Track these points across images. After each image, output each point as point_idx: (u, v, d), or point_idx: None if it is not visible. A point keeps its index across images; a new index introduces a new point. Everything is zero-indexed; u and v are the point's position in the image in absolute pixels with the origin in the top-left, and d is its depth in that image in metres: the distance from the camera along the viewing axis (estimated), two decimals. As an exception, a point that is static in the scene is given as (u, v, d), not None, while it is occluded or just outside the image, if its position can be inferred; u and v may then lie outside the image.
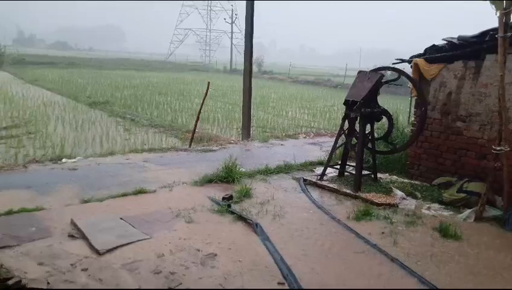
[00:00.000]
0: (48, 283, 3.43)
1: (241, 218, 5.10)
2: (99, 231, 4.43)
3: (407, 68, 7.33)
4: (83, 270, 3.70)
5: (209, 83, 10.23)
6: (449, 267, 4.19)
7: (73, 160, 7.47)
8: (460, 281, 3.93)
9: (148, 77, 34.35)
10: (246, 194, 5.91)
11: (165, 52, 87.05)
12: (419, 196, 6.39)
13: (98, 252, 4.02)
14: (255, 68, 31.00)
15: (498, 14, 5.12)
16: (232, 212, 5.24)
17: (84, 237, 4.32)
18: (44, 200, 5.32)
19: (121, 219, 4.83)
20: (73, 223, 4.63)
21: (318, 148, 9.70)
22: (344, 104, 6.77)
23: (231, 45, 62.81)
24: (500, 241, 4.96)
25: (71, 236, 4.37)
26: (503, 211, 5.50)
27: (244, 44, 11.06)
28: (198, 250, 4.21)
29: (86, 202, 5.37)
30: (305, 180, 6.89)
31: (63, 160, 7.40)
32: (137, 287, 3.47)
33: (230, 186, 6.34)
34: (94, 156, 8.00)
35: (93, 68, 41.87)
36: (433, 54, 7.00)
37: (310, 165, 7.96)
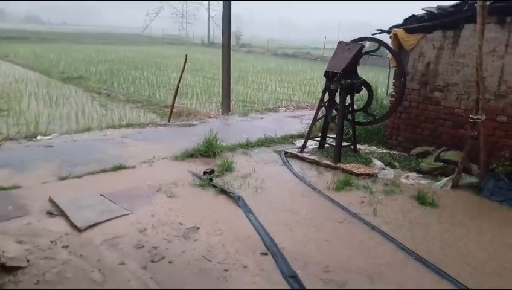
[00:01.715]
0: (28, 261, 3.37)
1: (223, 191, 5.09)
2: (78, 208, 4.35)
3: (387, 39, 7.32)
4: (63, 247, 3.65)
5: (186, 56, 10.03)
6: (426, 234, 4.31)
7: (48, 137, 7.28)
8: (437, 246, 4.05)
9: (123, 51, 33.44)
10: (228, 168, 5.90)
11: (141, 26, 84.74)
12: (398, 165, 6.50)
13: (78, 229, 3.97)
14: (233, 41, 30.52)
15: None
16: (214, 186, 5.23)
17: (63, 214, 4.25)
18: (20, 178, 5.18)
19: (100, 195, 4.76)
20: (51, 201, 4.53)
21: (298, 121, 9.70)
22: (324, 75, 6.74)
23: (208, 18, 61.56)
24: (475, 207, 5.12)
25: (50, 213, 4.28)
26: (479, 178, 5.65)
27: (222, 16, 10.82)
28: (181, 224, 4.20)
29: (63, 179, 5.26)
30: (286, 153, 6.91)
31: (38, 137, 7.20)
32: (119, 263, 3.44)
33: (211, 161, 6.30)
34: (70, 132, 7.81)
35: (66, 43, 40.41)
36: (412, 24, 6.99)
37: (290, 138, 7.97)
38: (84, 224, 4.04)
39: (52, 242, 3.72)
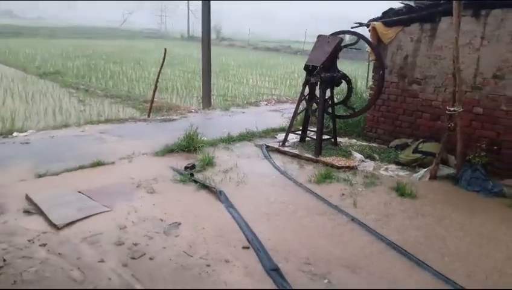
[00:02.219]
0: (5, 260, 3.30)
1: (204, 186, 5.07)
2: (56, 206, 4.27)
3: (366, 33, 7.37)
4: (41, 245, 3.58)
5: (165, 50, 9.90)
6: (405, 224, 4.38)
7: (25, 133, 7.12)
8: (415, 236, 4.12)
9: (101, 45, 32.84)
10: (209, 163, 5.87)
11: (119, 20, 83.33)
12: (377, 157, 6.59)
13: (56, 227, 3.89)
14: (213, 35, 30.33)
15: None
16: (195, 181, 5.20)
17: (41, 212, 4.16)
18: (-5, 176, 5.05)
19: (79, 192, 4.68)
20: (28, 199, 4.44)
21: (279, 115, 9.72)
22: (304, 69, 6.75)
23: (188, 11, 60.93)
24: (453, 198, 5.22)
25: (27, 212, 4.19)
26: (456, 169, 5.76)
27: (201, 10, 10.72)
28: (162, 220, 4.16)
29: (40, 176, 5.15)
30: (267, 146, 6.91)
31: (14, 134, 7.04)
32: (99, 260, 3.40)
33: (192, 156, 6.26)
34: (47, 128, 7.65)
35: (42, 37, 39.47)
36: (390, 17, 7.06)
37: (272, 132, 7.98)
38: (62, 222, 3.96)
39: (29, 241, 3.64)
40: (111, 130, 7.61)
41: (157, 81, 9.78)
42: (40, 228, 3.88)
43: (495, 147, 5.92)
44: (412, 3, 6.77)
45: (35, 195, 4.48)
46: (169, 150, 6.38)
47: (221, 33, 49.91)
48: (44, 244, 3.59)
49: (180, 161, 5.92)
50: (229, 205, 4.57)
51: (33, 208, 4.26)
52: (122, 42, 38.94)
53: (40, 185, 4.89)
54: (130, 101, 11.61)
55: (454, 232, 4.25)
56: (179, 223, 4.11)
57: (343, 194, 5.10)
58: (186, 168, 5.61)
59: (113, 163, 5.78)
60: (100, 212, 4.24)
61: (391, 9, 7.08)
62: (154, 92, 9.68)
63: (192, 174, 5.37)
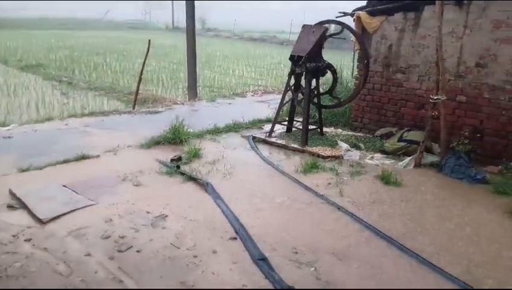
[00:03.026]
0: (-12, 257, 3.26)
1: (191, 178, 5.05)
2: (40, 200, 4.22)
3: (350, 22, 7.37)
4: (26, 240, 3.54)
5: (149, 41, 9.79)
6: (390, 212, 4.44)
7: (7, 128, 6.99)
8: (401, 223, 4.19)
9: (84, 36, 32.27)
10: (195, 155, 5.85)
11: (102, 10, 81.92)
12: (363, 147, 6.64)
13: (41, 221, 3.85)
14: (198, 26, 30.02)
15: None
16: (182, 173, 5.18)
17: (25, 207, 4.11)
18: (-23, 171, 4.96)
19: (63, 186, 4.62)
20: (11, 193, 4.37)
21: (266, 106, 9.71)
22: (290, 59, 6.74)
23: (172, 2, 60.11)
24: (436, 185, 5.30)
25: (10, 207, 4.13)
26: (440, 157, 5.85)
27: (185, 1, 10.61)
28: (148, 212, 4.15)
29: (24, 171, 5.06)
30: (254, 137, 6.91)
31: (-4, 128, 6.90)
32: (85, 254, 3.38)
33: (178, 148, 6.23)
34: (30, 122, 7.52)
35: (23, 29, 38.62)
36: (375, 6, 7.07)
37: (258, 123, 7.97)
38: (48, 216, 3.92)
39: (14, 236, 3.60)
40: (95, 123, 7.51)
41: (141, 73, 9.68)
42: (24, 223, 3.83)
43: (478, 135, 6.02)
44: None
45: (19, 189, 4.42)
46: (155, 143, 6.33)
47: (206, 23, 49.39)
48: (29, 239, 3.55)
49: (167, 153, 5.89)
50: (216, 197, 4.57)
51: (17, 203, 4.21)
52: (105, 33, 38.29)
53: (23, 179, 4.82)
54: (114, 94, 11.50)
55: (438, 218, 4.32)
56: (166, 215, 4.10)
57: (329, 184, 5.14)
58: (172, 160, 5.59)
59: (98, 156, 5.71)
60: (86, 206, 4.20)
61: (375, -2, 7.10)
62: (139, 83, 9.58)
63: (178, 166, 5.34)
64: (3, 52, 19.99)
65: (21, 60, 17.17)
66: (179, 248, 3.54)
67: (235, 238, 3.74)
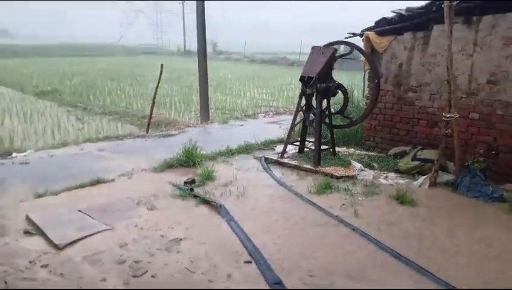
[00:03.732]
0: (6, 283, 3.29)
1: (204, 201, 5.07)
2: (57, 225, 4.27)
3: (359, 42, 7.44)
4: (42, 266, 3.57)
5: (162, 65, 9.97)
6: (406, 233, 4.38)
7: (24, 154, 7.12)
8: (417, 244, 4.12)
9: (98, 62, 33.04)
10: (209, 177, 5.87)
11: (115, 36, 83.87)
12: (377, 166, 6.60)
13: (57, 247, 3.88)
14: (209, 49, 30.48)
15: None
16: (195, 196, 5.20)
17: (41, 233, 4.15)
18: (-5, 197, 5.06)
19: (79, 211, 4.67)
20: (28, 219, 4.43)
21: (278, 127, 9.75)
22: (300, 80, 6.80)
23: (183, 26, 61.34)
24: (453, 204, 5.22)
25: (27, 233, 4.19)
26: (455, 175, 5.78)
27: (196, 24, 10.82)
28: (163, 236, 4.16)
29: (40, 196, 5.14)
30: (266, 158, 6.93)
31: (13, 154, 7.03)
32: (101, 279, 3.39)
33: (191, 170, 6.27)
34: (46, 148, 7.65)
35: (38, 56, 39.69)
36: (383, 26, 7.13)
37: (270, 144, 7.99)
38: (63, 241, 3.96)
39: (30, 262, 3.64)
40: (110, 147, 7.62)
41: (154, 96, 9.83)
42: (41, 249, 3.87)
43: (493, 152, 5.94)
44: (403, 12, 6.83)
45: (36, 215, 4.48)
46: (168, 166, 6.39)
47: (217, 46, 50.15)
48: (45, 265, 3.58)
49: (180, 176, 5.93)
50: (230, 219, 4.57)
51: (33, 229, 4.26)
52: (119, 58, 39.18)
53: (40, 205, 4.89)
54: (128, 118, 11.67)
55: (455, 239, 4.25)
56: (180, 239, 4.11)
57: (343, 204, 5.10)
58: (185, 183, 5.62)
59: (112, 180, 5.78)
60: (101, 231, 4.23)
61: (383, 18, 7.16)
62: (152, 107, 9.72)
63: (192, 189, 5.37)
64: (20, 79, 20.54)
65: (37, 87, 17.59)
66: (194, 273, 3.53)
67: (249, 262, 3.71)
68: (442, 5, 5.40)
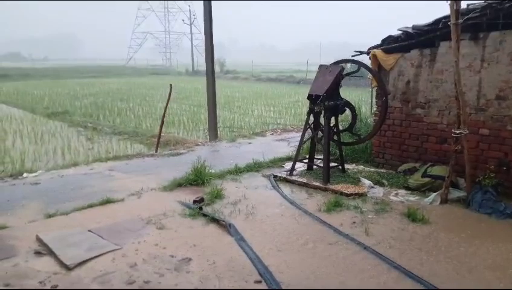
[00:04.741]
0: (16, 305, 3.29)
1: (213, 220, 5.05)
2: (67, 246, 4.27)
3: (366, 60, 7.48)
4: (52, 287, 3.57)
5: (171, 85, 10.09)
6: (419, 251, 4.31)
7: (34, 174, 7.19)
8: (430, 263, 4.05)
9: (107, 83, 33.54)
10: (217, 196, 5.87)
11: (125, 58, 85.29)
12: (386, 183, 6.55)
13: (67, 267, 3.88)
14: (217, 68, 30.85)
15: (449, 2, 5.28)
16: (204, 215, 5.19)
17: (51, 253, 4.16)
18: (7, 218, 5.09)
19: (89, 231, 4.69)
20: (39, 240, 4.45)
21: (286, 144, 9.76)
22: (308, 98, 6.83)
23: (191, 46, 62.27)
24: (465, 222, 5.14)
25: (38, 253, 4.20)
26: (467, 192, 5.71)
27: (204, 45, 10.99)
28: (172, 256, 4.14)
29: (50, 216, 5.17)
30: (275, 176, 6.92)
31: (24, 175, 7.11)
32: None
33: (200, 189, 6.27)
34: (56, 168, 7.73)
35: (49, 78, 40.45)
36: (389, 44, 7.17)
37: (279, 161, 7.99)
38: (73, 262, 3.96)
39: (40, 283, 3.64)
40: (119, 166, 7.67)
41: (163, 116, 9.91)
42: (51, 269, 3.87)
43: (504, 168, 5.88)
44: (409, 30, 6.87)
45: (46, 235, 4.50)
46: (177, 184, 6.40)
47: (225, 66, 50.73)
48: (55, 286, 3.58)
49: (189, 195, 5.93)
50: (239, 238, 4.54)
51: (44, 249, 4.27)
52: (128, 79, 39.74)
53: (50, 225, 4.91)
54: (137, 137, 11.76)
55: (469, 257, 4.17)
56: (190, 259, 4.08)
57: (354, 222, 5.05)
58: (195, 201, 5.62)
59: (122, 200, 5.80)
60: (110, 251, 4.23)
61: (390, 36, 7.21)
62: (161, 127, 9.80)
63: (201, 208, 5.37)
64: (31, 100, 20.88)
65: (48, 108, 17.86)
66: (203, 293, 3.50)
67: (259, 281, 3.68)
68: (448, 23, 5.43)
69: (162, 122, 9.86)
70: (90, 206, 5.51)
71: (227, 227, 4.81)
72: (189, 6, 67.19)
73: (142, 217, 5.14)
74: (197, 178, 6.51)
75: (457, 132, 5.57)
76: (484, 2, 5.86)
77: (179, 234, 4.68)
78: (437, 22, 6.39)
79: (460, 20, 5.34)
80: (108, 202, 5.66)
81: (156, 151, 9.29)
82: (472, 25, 5.94)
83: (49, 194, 6.05)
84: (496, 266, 4.00)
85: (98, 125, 13.60)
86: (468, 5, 6.01)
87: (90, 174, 7.17)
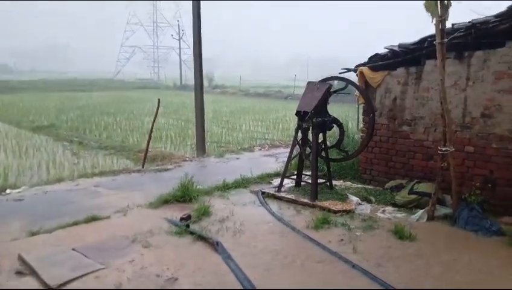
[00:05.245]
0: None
1: (201, 237, 4.99)
2: (50, 265, 4.17)
3: (353, 77, 7.57)
4: (33, 309, 3.46)
5: (159, 100, 10.05)
6: (406, 268, 4.31)
7: (18, 190, 7.05)
8: (418, 280, 4.04)
9: (95, 97, 33.31)
10: (205, 213, 5.81)
11: (112, 71, 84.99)
12: (374, 200, 6.57)
13: (50, 288, 3.78)
14: (205, 83, 30.90)
15: (434, 21, 5.39)
16: (192, 233, 5.12)
17: (34, 273, 4.05)
18: (-13, 236, 4.96)
19: (73, 249, 4.58)
20: (21, 259, 4.33)
21: (274, 160, 9.76)
22: (296, 114, 6.86)
23: (180, 61, 62.39)
24: (451, 239, 5.17)
25: (19, 273, 4.08)
26: (453, 209, 5.75)
27: (193, 59, 11.00)
28: (158, 275, 4.06)
29: (34, 234, 5.04)
30: (263, 193, 6.89)
31: (7, 191, 6.97)
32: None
33: (188, 206, 6.20)
34: (41, 184, 7.59)
35: (36, 91, 40.02)
36: (376, 62, 7.28)
37: (267, 177, 7.97)
38: (56, 282, 3.86)
39: (21, 305, 3.53)
40: (105, 182, 7.56)
41: (151, 131, 9.83)
42: (33, 290, 3.77)
43: (489, 185, 5.95)
44: (396, 48, 6.99)
45: (28, 255, 4.38)
46: (164, 201, 6.32)
47: (213, 81, 50.81)
48: (37, 308, 3.48)
49: (176, 212, 5.86)
50: (227, 257, 4.49)
51: (26, 268, 4.16)
52: (115, 93, 39.49)
53: (33, 243, 4.79)
54: (124, 152, 11.62)
55: (457, 275, 4.18)
56: (176, 279, 4.01)
57: (342, 240, 5.04)
58: (181, 219, 5.55)
59: (107, 217, 5.70)
60: (95, 270, 4.13)
61: (376, 54, 7.32)
62: (149, 142, 9.71)
63: (188, 226, 5.30)
64: (16, 114, 20.57)
65: (33, 121, 17.60)
66: (190, 313, 3.43)
67: (247, 301, 3.62)
68: (434, 42, 5.53)
69: (150, 137, 9.77)
70: (75, 223, 5.39)
71: (214, 245, 4.75)
72: (177, 21, 67.55)
73: (128, 235, 5.05)
74: (184, 194, 6.44)
75: (443, 149, 5.63)
76: (469, 23, 5.99)
77: (165, 253, 4.61)
78: (423, 40, 6.51)
79: (446, 40, 5.44)
80: (93, 219, 5.55)
81: (143, 166, 9.19)
82: (457, 44, 6.07)
83: (33, 211, 5.92)
84: (481, 280, 4.00)
85: (84, 140, 13.42)
86: (453, 24, 6.14)
87: (76, 190, 7.05)
